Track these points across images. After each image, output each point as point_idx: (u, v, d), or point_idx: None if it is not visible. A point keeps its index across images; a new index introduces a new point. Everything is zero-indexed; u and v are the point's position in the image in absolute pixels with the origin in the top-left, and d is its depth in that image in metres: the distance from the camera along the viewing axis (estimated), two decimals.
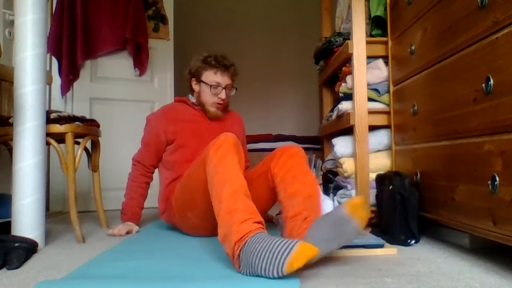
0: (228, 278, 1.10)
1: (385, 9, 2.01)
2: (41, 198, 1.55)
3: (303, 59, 3.84)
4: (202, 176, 1.44)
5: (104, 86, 2.98)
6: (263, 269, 1.05)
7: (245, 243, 1.12)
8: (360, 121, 1.93)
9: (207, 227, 1.64)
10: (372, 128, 1.99)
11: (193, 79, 1.91)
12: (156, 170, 1.99)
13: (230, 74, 1.86)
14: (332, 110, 2.43)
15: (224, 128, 1.85)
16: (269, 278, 1.04)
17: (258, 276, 1.07)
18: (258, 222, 1.19)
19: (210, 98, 1.87)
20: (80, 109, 2.82)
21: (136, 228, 1.91)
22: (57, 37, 2.73)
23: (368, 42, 1.96)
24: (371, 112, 1.95)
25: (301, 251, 1.02)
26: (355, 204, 1.22)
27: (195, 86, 1.91)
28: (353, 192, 1.99)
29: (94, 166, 2.04)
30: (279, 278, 1.03)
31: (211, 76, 1.84)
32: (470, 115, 1.28)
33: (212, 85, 1.84)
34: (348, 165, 2.01)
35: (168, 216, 1.86)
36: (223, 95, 1.86)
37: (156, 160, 1.94)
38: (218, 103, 1.88)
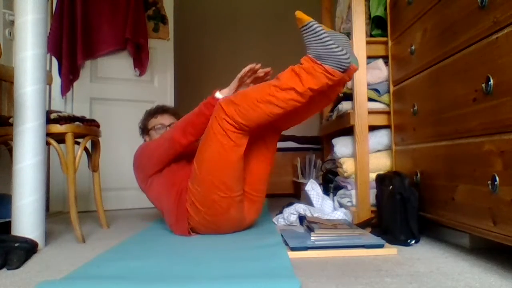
0: (228, 278, 1.10)
1: (385, 9, 2.01)
2: (41, 198, 1.55)
3: None
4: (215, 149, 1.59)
5: (104, 86, 2.98)
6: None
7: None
8: (360, 121, 1.93)
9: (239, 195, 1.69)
10: (372, 128, 1.99)
11: (144, 136, 2.12)
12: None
13: (169, 114, 2.09)
14: (332, 110, 2.43)
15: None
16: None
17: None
18: None
19: None
20: (80, 109, 2.82)
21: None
22: (57, 37, 2.73)
23: (368, 42, 1.97)
24: (371, 112, 1.96)
25: None
26: None
27: (147, 139, 2.10)
28: (353, 192, 1.99)
29: (94, 166, 2.04)
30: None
31: (153, 122, 2.07)
32: (470, 115, 1.28)
33: (156, 126, 2.04)
34: (348, 165, 2.01)
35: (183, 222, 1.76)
36: None
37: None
38: None
